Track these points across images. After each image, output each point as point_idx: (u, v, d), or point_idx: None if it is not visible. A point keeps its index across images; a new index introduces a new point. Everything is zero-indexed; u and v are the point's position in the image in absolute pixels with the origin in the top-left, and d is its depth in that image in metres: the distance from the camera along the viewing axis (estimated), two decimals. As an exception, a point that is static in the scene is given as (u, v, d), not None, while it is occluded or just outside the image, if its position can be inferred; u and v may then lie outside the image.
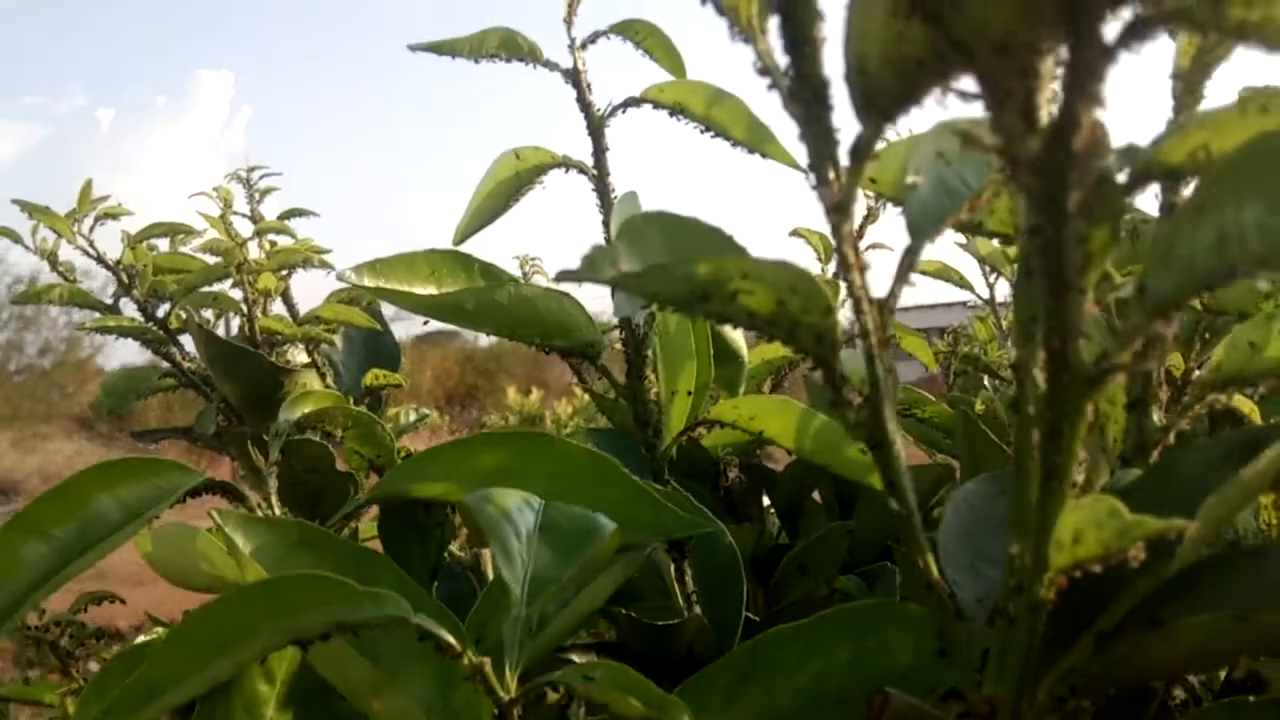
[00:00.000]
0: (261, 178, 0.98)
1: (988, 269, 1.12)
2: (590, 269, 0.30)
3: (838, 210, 0.30)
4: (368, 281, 0.47)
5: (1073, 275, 0.26)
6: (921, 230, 0.33)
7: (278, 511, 0.44)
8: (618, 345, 0.60)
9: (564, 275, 0.31)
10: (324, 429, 0.47)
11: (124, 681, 0.27)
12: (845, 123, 0.30)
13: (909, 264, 0.33)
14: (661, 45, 0.56)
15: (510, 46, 0.52)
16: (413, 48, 0.53)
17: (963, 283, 1.17)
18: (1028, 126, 0.25)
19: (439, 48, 0.53)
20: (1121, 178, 0.30)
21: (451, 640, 0.30)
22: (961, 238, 1.12)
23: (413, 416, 0.96)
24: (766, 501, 0.89)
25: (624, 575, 0.51)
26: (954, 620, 0.34)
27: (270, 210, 1.02)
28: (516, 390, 5.99)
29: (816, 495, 0.87)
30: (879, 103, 0.28)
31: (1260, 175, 0.27)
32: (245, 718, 0.39)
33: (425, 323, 0.57)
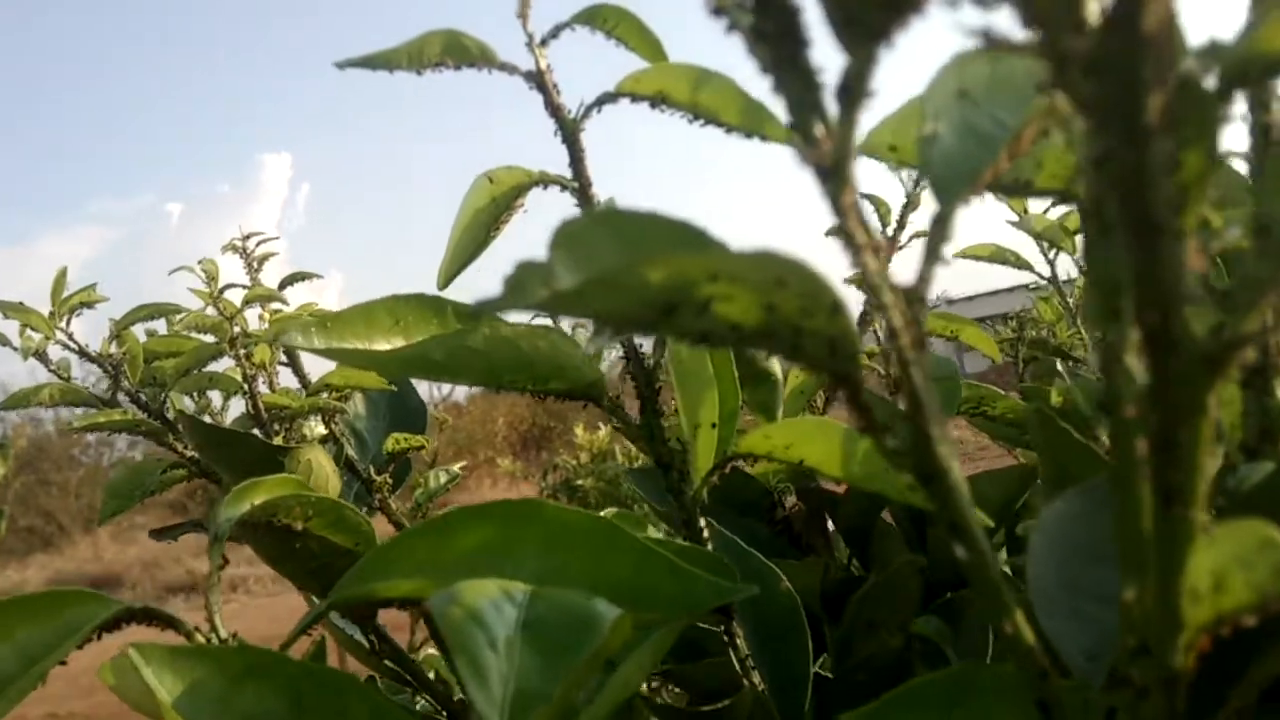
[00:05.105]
0: (258, 245, 0.92)
1: (1046, 245, 1.04)
2: (516, 293, 0.23)
3: (834, 174, 0.22)
4: (318, 343, 0.40)
5: (1165, 215, 0.18)
6: (949, 189, 0.25)
7: (223, 634, 0.37)
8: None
9: (485, 305, 0.24)
10: (280, 521, 0.41)
11: None
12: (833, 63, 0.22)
13: (940, 235, 0.25)
14: (635, 30, 0.49)
15: (456, 51, 0.45)
16: (341, 64, 0.46)
17: (1020, 263, 1.08)
18: (1075, 9, 0.17)
19: (372, 62, 0.46)
20: (1209, 83, 0.23)
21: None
22: (1011, 213, 1.03)
23: (443, 479, 0.89)
24: (832, 527, 0.81)
25: (653, 659, 0.43)
26: (1058, 691, 0.25)
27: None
28: (584, 429, 5.91)
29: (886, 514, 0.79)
30: (865, 16, 0.21)
31: None
32: None
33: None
